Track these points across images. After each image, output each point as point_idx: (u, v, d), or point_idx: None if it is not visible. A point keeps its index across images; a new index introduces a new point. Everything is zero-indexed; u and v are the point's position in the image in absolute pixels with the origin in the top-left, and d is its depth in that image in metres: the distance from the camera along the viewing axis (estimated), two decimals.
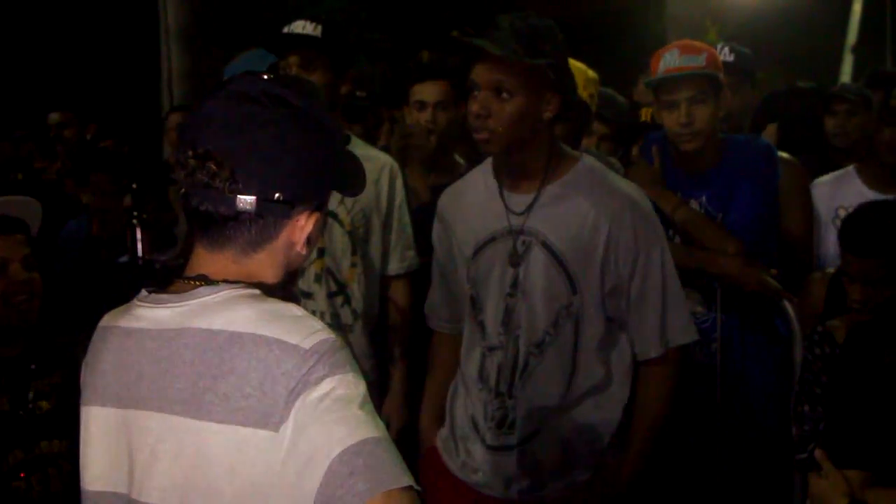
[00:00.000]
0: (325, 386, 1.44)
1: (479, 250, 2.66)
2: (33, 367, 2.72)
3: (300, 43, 3.07)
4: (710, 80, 3.21)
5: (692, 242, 3.25)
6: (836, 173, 3.88)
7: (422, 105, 3.72)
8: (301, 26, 3.08)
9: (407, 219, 3.32)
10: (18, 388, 2.70)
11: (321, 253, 3.11)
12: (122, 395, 1.57)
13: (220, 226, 1.54)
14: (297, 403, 1.43)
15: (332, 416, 1.43)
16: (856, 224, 2.74)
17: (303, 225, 1.58)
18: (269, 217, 1.54)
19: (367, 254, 3.21)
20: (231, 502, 1.47)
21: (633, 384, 2.70)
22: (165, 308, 1.56)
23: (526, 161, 2.59)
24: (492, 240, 2.64)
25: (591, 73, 3.59)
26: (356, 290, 3.17)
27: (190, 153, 1.52)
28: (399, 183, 3.28)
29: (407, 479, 1.42)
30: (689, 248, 3.26)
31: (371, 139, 4.24)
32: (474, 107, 2.51)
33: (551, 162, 2.60)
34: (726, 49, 3.78)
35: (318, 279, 3.11)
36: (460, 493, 2.71)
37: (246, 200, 1.51)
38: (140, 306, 1.61)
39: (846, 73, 11.52)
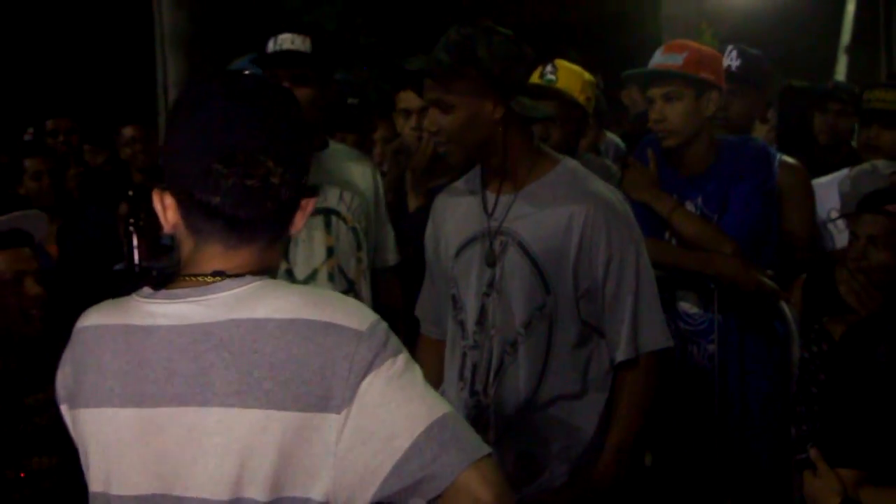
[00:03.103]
0: (391, 366, 1.49)
1: (460, 250, 2.72)
2: (27, 381, 2.72)
3: (290, 59, 3.03)
4: (684, 79, 3.22)
5: (688, 244, 3.26)
6: (831, 176, 3.90)
7: (407, 113, 3.72)
8: (290, 41, 3.03)
9: (386, 212, 3.39)
10: (12, 403, 2.70)
11: (331, 252, 3.09)
12: (147, 394, 1.54)
13: (249, 225, 1.53)
14: (364, 385, 1.47)
15: (406, 394, 1.48)
16: (878, 190, 2.91)
17: (306, 209, 1.59)
18: (293, 204, 1.56)
19: (368, 249, 3.22)
20: (281, 485, 1.48)
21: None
22: (187, 303, 1.54)
23: (497, 163, 2.64)
24: (472, 240, 2.69)
25: (588, 76, 3.59)
26: (363, 287, 3.18)
27: (221, 162, 1.50)
28: (378, 175, 3.34)
29: (487, 448, 1.48)
30: (685, 250, 3.27)
31: (367, 146, 4.23)
32: (425, 123, 2.65)
33: (528, 163, 2.65)
34: (734, 53, 3.72)
35: (330, 278, 3.09)
36: None
37: (292, 189, 1.53)
38: (151, 303, 1.57)
39: (840, 74, 11.52)
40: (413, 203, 3.56)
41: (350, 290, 3.11)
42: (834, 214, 3.75)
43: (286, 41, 3.03)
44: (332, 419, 1.47)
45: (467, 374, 2.69)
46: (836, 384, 2.54)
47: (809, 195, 3.55)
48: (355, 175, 3.20)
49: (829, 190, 3.76)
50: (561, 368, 2.64)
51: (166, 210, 1.59)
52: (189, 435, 1.52)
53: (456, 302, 2.73)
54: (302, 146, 1.58)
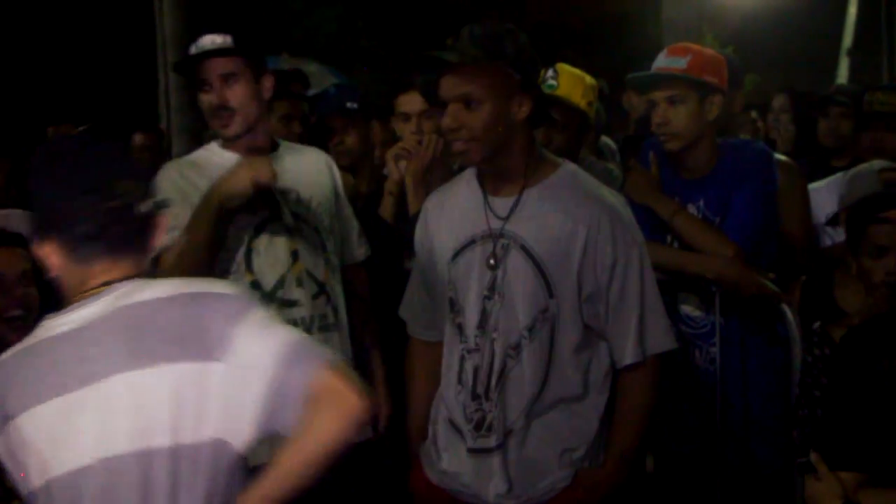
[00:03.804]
0: (255, 314, 1.92)
1: (458, 253, 2.69)
2: None
3: (217, 55, 2.96)
4: (687, 82, 3.23)
5: (690, 247, 3.26)
6: (827, 180, 3.92)
7: (406, 116, 3.71)
8: (210, 41, 2.98)
9: (351, 210, 3.31)
10: None
11: (296, 256, 3.01)
12: (66, 384, 1.85)
13: (124, 238, 1.92)
14: (237, 332, 1.87)
15: (269, 332, 1.91)
16: (881, 196, 2.81)
17: (162, 226, 1.98)
18: (151, 217, 1.96)
19: (335, 247, 3.16)
20: (177, 431, 1.85)
21: (613, 394, 2.70)
22: (86, 308, 1.89)
23: (506, 165, 2.62)
24: (472, 242, 2.67)
25: (590, 80, 3.58)
26: (334, 286, 3.11)
27: (87, 194, 1.88)
28: (335, 168, 3.27)
29: (340, 357, 2.00)
30: (686, 253, 3.27)
31: (366, 150, 4.22)
32: (446, 121, 2.56)
33: (531, 165, 2.64)
34: None
35: (299, 283, 3.01)
36: (440, 501, 2.74)
37: (147, 204, 1.94)
38: (55, 319, 1.91)
39: (842, 76, 11.53)
40: (414, 207, 3.56)
41: (321, 292, 3.05)
42: None
43: (207, 42, 2.98)
44: (215, 367, 1.86)
45: (467, 377, 2.67)
46: (837, 386, 2.54)
47: (805, 195, 3.55)
48: (311, 172, 3.14)
49: (825, 193, 3.77)
50: (563, 371, 2.63)
51: (49, 257, 1.92)
52: (106, 403, 1.84)
53: (453, 304, 2.71)
54: (143, 172, 2.03)
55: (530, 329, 2.61)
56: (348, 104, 4.12)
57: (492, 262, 2.62)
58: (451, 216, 2.75)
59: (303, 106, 4.19)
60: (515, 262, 2.61)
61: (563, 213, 2.60)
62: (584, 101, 3.51)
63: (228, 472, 1.89)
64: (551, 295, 2.60)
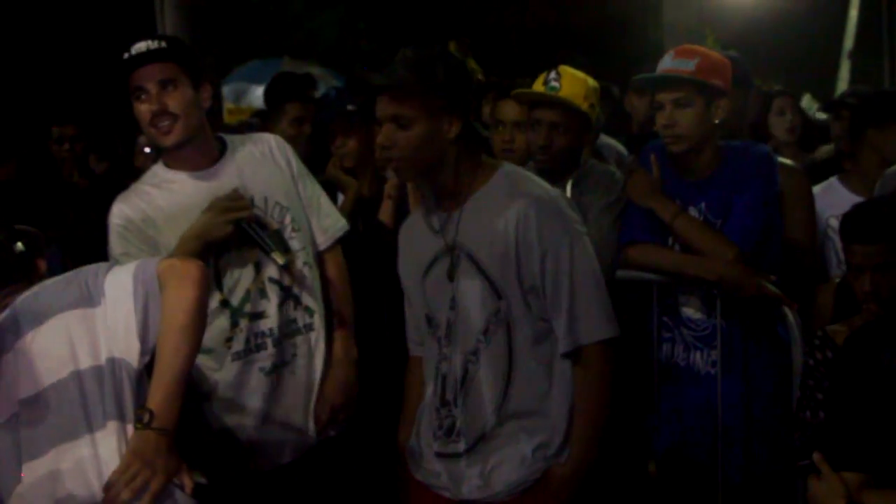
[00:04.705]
0: (118, 267, 2.49)
1: (427, 271, 2.80)
2: None
3: (153, 60, 2.88)
4: (695, 85, 3.23)
5: (691, 250, 3.26)
6: (821, 185, 3.92)
7: None
8: (144, 47, 2.89)
9: (315, 187, 3.20)
10: None
11: (258, 267, 2.98)
12: None
13: (10, 271, 2.50)
14: (106, 281, 2.42)
15: (125, 267, 2.47)
16: (858, 215, 2.79)
17: (40, 266, 2.60)
18: (30, 254, 2.55)
19: (302, 244, 3.08)
20: (78, 358, 2.36)
21: None
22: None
23: (443, 181, 2.73)
24: (435, 259, 2.78)
25: (592, 82, 3.58)
26: (304, 285, 3.04)
27: None
28: (290, 151, 3.15)
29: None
30: (687, 255, 3.27)
31: (367, 152, 4.22)
32: (380, 139, 2.69)
33: (468, 177, 2.73)
34: None
35: (263, 294, 2.99)
36: (424, 498, 2.85)
37: (19, 246, 2.52)
38: None
39: (843, 79, 11.54)
40: (415, 209, 3.56)
41: (287, 297, 3.00)
42: (834, 222, 3.75)
43: (141, 48, 2.90)
44: (98, 310, 2.40)
45: (439, 386, 2.79)
46: (840, 388, 2.54)
47: (809, 198, 3.55)
48: (264, 169, 3.06)
49: (821, 199, 3.77)
50: (526, 368, 2.71)
51: None
52: (24, 357, 2.37)
53: (430, 321, 2.82)
54: (4, 222, 2.57)
55: (485, 332, 2.71)
56: (348, 107, 4.13)
57: (450, 274, 2.73)
58: (419, 237, 2.85)
59: (313, 108, 4.20)
60: (466, 272, 2.72)
61: (496, 214, 2.68)
62: (587, 104, 3.51)
63: (130, 383, 2.37)
64: (500, 297, 2.69)
